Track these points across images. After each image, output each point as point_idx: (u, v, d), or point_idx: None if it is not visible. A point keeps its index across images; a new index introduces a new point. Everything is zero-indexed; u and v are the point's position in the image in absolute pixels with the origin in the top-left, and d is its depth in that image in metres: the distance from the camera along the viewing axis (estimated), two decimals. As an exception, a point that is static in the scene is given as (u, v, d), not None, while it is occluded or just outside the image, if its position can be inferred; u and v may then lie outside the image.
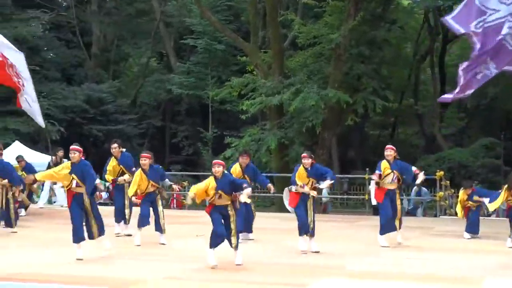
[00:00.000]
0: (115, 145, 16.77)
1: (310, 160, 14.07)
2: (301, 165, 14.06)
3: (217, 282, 10.68)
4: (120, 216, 16.61)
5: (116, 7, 45.02)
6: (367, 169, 25.27)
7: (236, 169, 15.65)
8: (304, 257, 13.32)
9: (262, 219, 18.15)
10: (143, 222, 14.87)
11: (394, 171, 14.91)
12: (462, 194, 17.40)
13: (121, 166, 16.57)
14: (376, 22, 28.17)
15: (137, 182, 14.81)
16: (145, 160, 14.96)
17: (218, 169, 12.08)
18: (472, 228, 17.18)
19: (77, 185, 12.84)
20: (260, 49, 31.80)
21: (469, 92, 16.71)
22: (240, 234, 12.79)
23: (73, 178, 12.84)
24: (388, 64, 29.42)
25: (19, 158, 21.87)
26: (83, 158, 13.25)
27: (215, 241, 11.94)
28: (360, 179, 27.46)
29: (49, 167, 23.59)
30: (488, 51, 16.10)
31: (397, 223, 15.17)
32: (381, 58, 28.56)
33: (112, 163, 16.72)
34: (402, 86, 38.28)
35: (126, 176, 16.42)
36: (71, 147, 13.19)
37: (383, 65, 28.88)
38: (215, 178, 12.06)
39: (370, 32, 27.69)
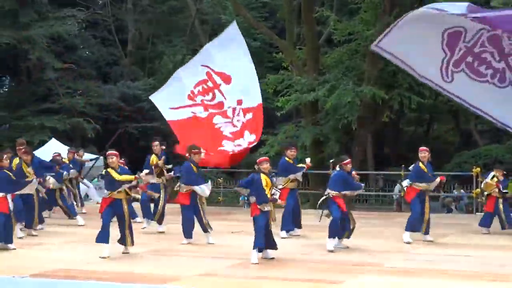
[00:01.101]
0: (156, 142, 16.82)
1: None
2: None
3: (253, 279, 10.68)
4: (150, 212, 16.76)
5: (151, 4, 45.10)
6: (403, 165, 25.11)
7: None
8: (338, 254, 13.27)
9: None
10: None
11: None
12: (492, 176, 17.27)
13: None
14: (412, 18, 27.96)
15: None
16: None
17: (266, 166, 12.28)
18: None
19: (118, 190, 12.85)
20: (295, 46, 31.71)
21: None
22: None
23: None
24: (424, 60, 29.17)
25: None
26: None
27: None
28: (395, 175, 27.30)
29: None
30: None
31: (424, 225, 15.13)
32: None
33: (152, 161, 16.79)
34: (437, 82, 38.02)
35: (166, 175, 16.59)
36: (108, 152, 13.19)
37: (419, 61, 28.63)
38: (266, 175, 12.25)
39: (405, 28, 27.51)
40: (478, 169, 23.52)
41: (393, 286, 10.45)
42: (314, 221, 18.79)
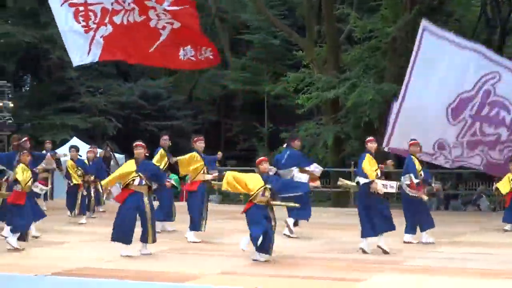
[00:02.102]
0: (166, 137, 16.75)
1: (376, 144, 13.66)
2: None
3: (272, 277, 10.66)
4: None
5: None
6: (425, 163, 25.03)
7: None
8: (358, 253, 13.23)
9: (318, 214, 18.09)
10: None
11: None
12: None
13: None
14: (432, 15, 27.74)
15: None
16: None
17: (265, 166, 12.27)
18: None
19: (140, 183, 12.82)
20: (315, 43, 31.66)
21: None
22: None
23: (138, 176, 12.83)
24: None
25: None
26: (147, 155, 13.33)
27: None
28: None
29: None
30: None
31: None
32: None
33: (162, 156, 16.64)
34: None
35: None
36: (136, 143, 13.16)
37: (440, 58, 28.50)
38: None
39: (426, 25, 27.37)
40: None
41: (414, 284, 10.40)
42: (334, 219, 18.81)
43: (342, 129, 27.68)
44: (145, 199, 12.66)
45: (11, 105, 30.96)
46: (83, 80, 39.36)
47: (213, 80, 44.77)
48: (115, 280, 10.27)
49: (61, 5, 18.13)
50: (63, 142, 32.83)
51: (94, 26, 17.57)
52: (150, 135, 40.46)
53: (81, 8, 17.79)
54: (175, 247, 13.93)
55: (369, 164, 13.10)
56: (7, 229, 13.65)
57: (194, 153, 14.93)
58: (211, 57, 18.45)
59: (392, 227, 13.16)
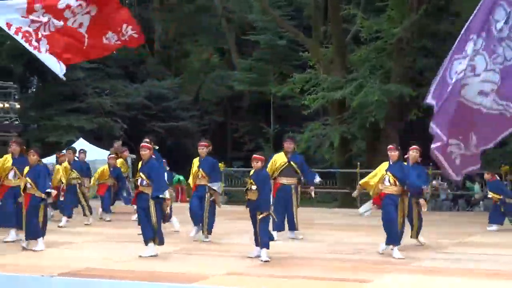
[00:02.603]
0: (119, 142, 16.65)
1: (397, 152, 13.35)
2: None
3: (279, 278, 10.64)
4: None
5: (177, 4, 45.22)
6: (430, 164, 24.97)
7: (280, 157, 15.12)
8: (366, 253, 13.21)
9: (324, 214, 18.12)
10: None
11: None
12: None
13: None
14: (439, 15, 27.80)
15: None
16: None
17: (256, 164, 12.26)
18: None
19: (142, 184, 12.81)
20: (321, 44, 31.66)
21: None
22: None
23: (140, 177, 12.83)
24: (452, 57, 28.97)
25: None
26: (153, 156, 13.28)
27: None
28: (423, 174, 27.15)
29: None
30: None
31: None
32: (444, 51, 28.05)
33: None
34: (465, 80, 37.69)
35: None
36: (142, 144, 13.14)
37: (446, 58, 28.42)
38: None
39: (433, 25, 27.35)
40: (507, 167, 23.35)
41: (422, 284, 10.37)
42: (340, 219, 18.79)
43: (348, 129, 27.67)
44: (150, 200, 12.65)
45: (18, 106, 31.03)
46: (90, 81, 39.42)
47: (219, 81, 44.82)
48: (123, 280, 10.26)
49: (16, 35, 17.89)
50: (70, 143, 32.86)
51: (37, 44, 17.38)
52: (156, 136, 40.50)
53: (21, 33, 17.64)
54: (182, 247, 13.92)
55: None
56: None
57: (195, 159, 15.05)
58: (134, 35, 17.91)
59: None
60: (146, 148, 12.90)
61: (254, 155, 12.60)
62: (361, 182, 13.79)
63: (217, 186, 14.69)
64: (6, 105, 29.85)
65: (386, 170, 12.98)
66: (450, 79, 12.58)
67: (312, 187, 15.19)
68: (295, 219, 14.97)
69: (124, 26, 16.86)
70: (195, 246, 14.26)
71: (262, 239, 12.13)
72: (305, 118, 31.85)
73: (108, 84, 40.40)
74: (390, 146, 13.24)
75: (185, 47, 47.64)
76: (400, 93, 25.58)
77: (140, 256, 12.46)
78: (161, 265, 11.70)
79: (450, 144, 11.82)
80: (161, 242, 12.73)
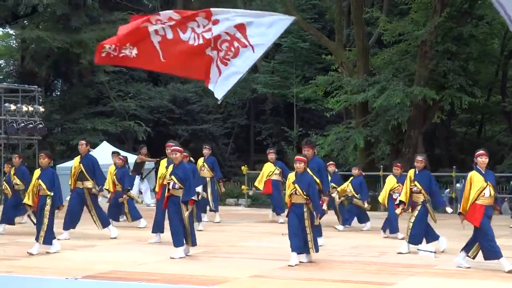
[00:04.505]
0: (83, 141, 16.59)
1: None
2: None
3: (302, 281, 10.66)
4: None
5: (200, 7, 45.34)
6: (454, 167, 24.94)
7: None
8: (388, 256, 13.21)
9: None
10: None
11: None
12: None
13: None
14: (462, 18, 27.71)
15: None
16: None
17: (298, 165, 12.18)
18: None
19: (174, 187, 12.86)
20: (344, 47, 31.66)
21: None
22: None
23: (172, 180, 12.88)
24: (475, 60, 28.89)
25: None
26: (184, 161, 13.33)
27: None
28: (447, 177, 27.08)
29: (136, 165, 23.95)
30: None
31: None
32: (467, 54, 28.04)
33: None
34: (489, 83, 37.57)
35: None
36: (172, 148, 13.17)
37: (470, 62, 28.34)
38: (296, 173, 12.20)
39: (456, 28, 27.25)
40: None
41: (444, 287, 10.37)
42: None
43: (371, 132, 27.62)
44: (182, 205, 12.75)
45: (42, 109, 31.20)
46: (114, 84, 39.61)
47: (243, 84, 44.81)
48: (146, 283, 10.31)
49: None
50: (94, 146, 33.02)
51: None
52: (179, 139, 40.63)
53: None
54: (205, 250, 13.96)
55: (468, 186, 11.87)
56: None
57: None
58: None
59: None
60: (177, 151, 12.95)
61: (297, 157, 12.57)
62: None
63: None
64: (31, 108, 30.03)
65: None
66: None
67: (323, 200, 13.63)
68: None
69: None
70: (218, 249, 14.30)
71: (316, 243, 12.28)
72: (329, 121, 31.86)
73: (132, 87, 40.56)
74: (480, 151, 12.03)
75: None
76: (423, 95, 25.52)
77: (172, 258, 12.55)
78: (185, 268, 11.75)
79: None
80: (194, 243, 12.88)
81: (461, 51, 27.31)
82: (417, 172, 13.59)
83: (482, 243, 11.61)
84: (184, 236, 12.82)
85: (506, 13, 12.64)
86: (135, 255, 13.26)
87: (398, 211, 14.16)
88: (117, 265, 12.02)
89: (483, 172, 11.72)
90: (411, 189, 13.45)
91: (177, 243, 12.75)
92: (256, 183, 20.48)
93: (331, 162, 18.20)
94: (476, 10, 28.08)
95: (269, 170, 20.00)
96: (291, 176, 12.33)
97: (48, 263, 12.31)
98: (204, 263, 12.36)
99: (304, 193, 12.05)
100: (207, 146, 20.07)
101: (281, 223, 18.26)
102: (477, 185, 11.58)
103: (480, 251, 11.67)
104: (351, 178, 18.21)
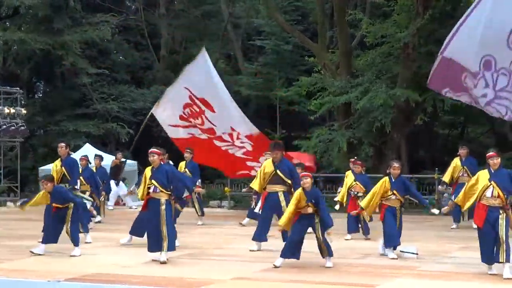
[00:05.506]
0: (63, 144, 16.55)
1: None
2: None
3: (286, 283, 10.65)
4: None
5: (184, 9, 45.23)
6: (436, 168, 25.00)
7: (267, 166, 14.62)
8: (372, 258, 13.22)
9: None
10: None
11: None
12: None
13: None
14: (445, 20, 27.73)
15: None
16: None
17: (306, 181, 12.16)
18: None
19: (155, 191, 12.75)
20: (327, 49, 31.64)
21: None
22: None
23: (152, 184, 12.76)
24: (458, 62, 28.99)
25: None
26: (162, 163, 13.26)
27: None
28: (429, 179, 27.13)
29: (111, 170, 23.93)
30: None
31: None
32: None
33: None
34: (472, 85, 37.69)
35: None
36: (150, 149, 13.10)
37: (453, 64, 28.43)
38: (304, 190, 12.14)
39: (439, 30, 27.29)
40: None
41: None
42: (345, 224, 18.74)
43: (354, 134, 27.62)
44: (161, 206, 12.62)
45: (24, 111, 31.09)
46: (96, 86, 39.48)
47: (226, 86, 44.72)
48: (129, 286, 10.27)
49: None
50: (76, 148, 32.92)
51: (189, 122, 20.44)
52: (162, 142, 40.52)
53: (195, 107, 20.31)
54: (190, 252, 13.94)
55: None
56: None
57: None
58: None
59: None
60: (155, 153, 12.86)
61: (303, 173, 12.61)
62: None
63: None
64: (13, 110, 29.92)
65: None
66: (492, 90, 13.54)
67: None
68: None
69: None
70: (203, 251, 14.28)
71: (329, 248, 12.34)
72: (312, 124, 31.84)
73: (115, 89, 40.42)
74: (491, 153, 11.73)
75: (191, 52, 47.62)
76: (406, 97, 25.56)
77: (157, 261, 12.49)
78: (169, 270, 11.73)
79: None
80: (171, 248, 12.68)
81: (444, 53, 27.34)
82: (393, 180, 13.46)
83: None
84: (158, 240, 12.60)
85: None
86: (120, 258, 13.22)
87: (354, 212, 14.43)
88: (101, 267, 11.99)
89: (492, 172, 11.51)
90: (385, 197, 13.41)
91: (151, 248, 12.68)
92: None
93: (358, 162, 17.60)
94: (459, 13, 28.12)
95: None
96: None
97: (32, 266, 12.25)
98: (188, 265, 12.34)
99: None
100: (188, 150, 20.08)
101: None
102: (481, 183, 11.48)
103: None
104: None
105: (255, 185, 14.82)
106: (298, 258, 12.18)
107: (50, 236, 13.59)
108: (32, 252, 13.42)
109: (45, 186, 13.58)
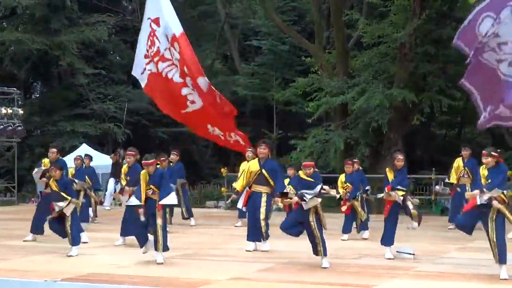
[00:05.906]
0: (54, 149, 16.45)
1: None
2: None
3: (282, 283, 10.64)
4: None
5: (180, 9, 45.21)
6: (434, 169, 25.02)
7: (252, 165, 14.42)
8: (370, 258, 13.22)
9: (328, 219, 18.02)
10: None
11: None
12: None
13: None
14: (442, 20, 27.77)
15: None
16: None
17: (309, 171, 12.26)
18: None
19: (153, 193, 12.69)
20: (324, 49, 31.65)
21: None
22: None
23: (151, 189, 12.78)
24: (455, 62, 29.03)
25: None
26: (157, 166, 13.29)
27: None
28: (427, 179, 27.15)
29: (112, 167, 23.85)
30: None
31: None
32: (447, 57, 28.13)
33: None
34: (468, 85, 37.65)
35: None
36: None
37: (449, 64, 28.41)
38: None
39: (436, 30, 27.32)
40: (510, 172, 23.28)
41: (425, 290, 10.42)
42: (341, 224, 18.74)
43: (351, 134, 27.61)
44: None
45: (21, 112, 31.08)
46: (93, 86, 39.48)
47: (223, 86, 44.69)
48: (126, 286, 10.26)
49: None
50: (73, 148, 32.93)
51: (149, 58, 18.70)
52: (159, 142, 40.56)
53: (152, 34, 19.04)
54: (186, 252, 13.93)
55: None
56: None
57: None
58: (241, 142, 19.41)
59: None
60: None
61: (305, 163, 12.63)
62: None
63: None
64: (10, 111, 29.92)
65: None
66: (478, 32, 12.95)
67: (277, 199, 13.73)
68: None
69: (233, 134, 18.18)
70: (199, 251, 14.28)
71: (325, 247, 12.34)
72: (309, 124, 31.87)
73: (112, 89, 40.42)
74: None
75: (188, 53, 47.60)
76: (403, 97, 25.56)
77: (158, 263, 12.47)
78: (165, 270, 11.72)
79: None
80: (165, 248, 12.71)
81: (441, 53, 27.40)
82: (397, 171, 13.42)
83: None
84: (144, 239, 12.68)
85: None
86: (118, 258, 13.20)
87: (344, 208, 14.57)
88: (98, 267, 11.97)
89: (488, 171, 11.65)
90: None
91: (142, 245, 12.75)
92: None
93: (348, 161, 17.24)
94: (456, 13, 28.15)
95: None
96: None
97: (29, 266, 12.24)
98: (185, 266, 12.33)
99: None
100: (175, 152, 20.00)
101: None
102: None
103: None
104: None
105: (237, 185, 14.84)
106: (296, 235, 12.52)
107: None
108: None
109: (54, 173, 13.55)
